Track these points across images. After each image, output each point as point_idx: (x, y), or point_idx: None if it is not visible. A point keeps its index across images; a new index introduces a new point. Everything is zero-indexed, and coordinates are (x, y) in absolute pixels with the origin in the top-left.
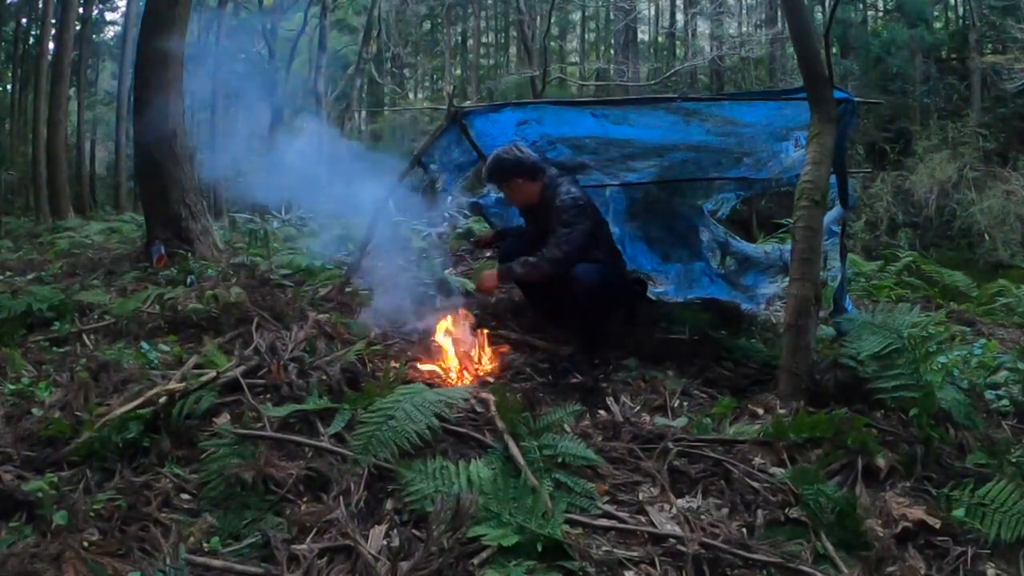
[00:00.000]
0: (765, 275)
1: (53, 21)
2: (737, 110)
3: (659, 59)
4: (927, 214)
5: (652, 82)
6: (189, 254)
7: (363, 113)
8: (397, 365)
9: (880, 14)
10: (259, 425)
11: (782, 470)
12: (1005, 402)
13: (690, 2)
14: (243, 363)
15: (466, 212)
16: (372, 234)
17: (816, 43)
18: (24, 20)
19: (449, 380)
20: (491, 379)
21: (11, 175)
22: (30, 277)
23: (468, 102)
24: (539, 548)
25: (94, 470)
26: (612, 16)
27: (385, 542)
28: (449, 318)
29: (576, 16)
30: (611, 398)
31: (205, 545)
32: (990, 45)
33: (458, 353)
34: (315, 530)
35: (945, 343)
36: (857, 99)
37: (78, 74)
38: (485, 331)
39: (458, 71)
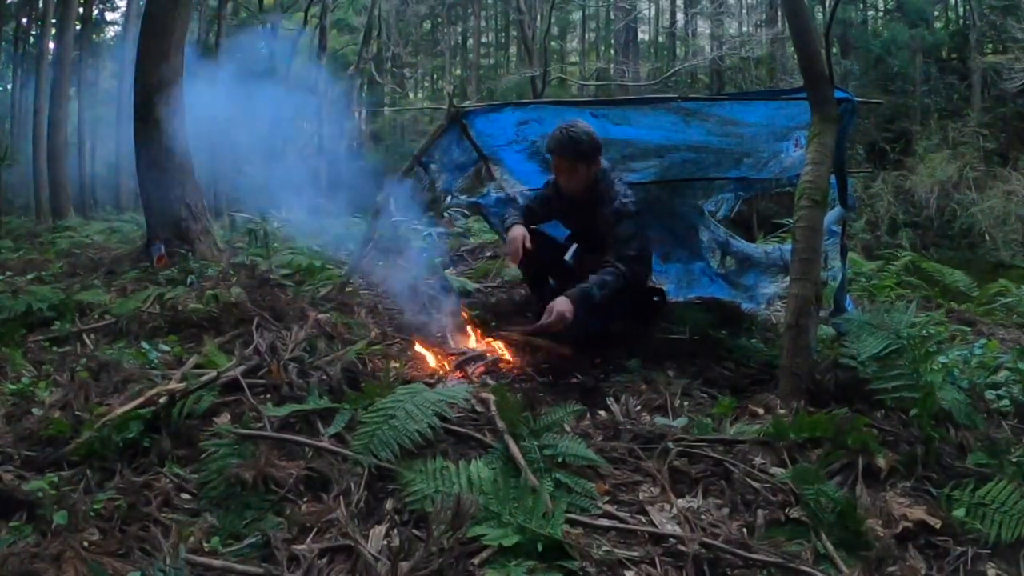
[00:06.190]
0: (765, 275)
1: (53, 21)
2: (737, 110)
3: (659, 59)
4: (927, 214)
5: (652, 82)
6: (189, 254)
7: (363, 113)
8: (397, 365)
9: (880, 14)
10: (259, 425)
11: (782, 470)
12: (1005, 402)
13: (690, 2)
14: (243, 363)
15: (465, 212)
16: (372, 234)
17: (816, 43)
18: (24, 20)
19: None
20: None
21: (11, 174)
22: (30, 277)
23: (468, 102)
24: (539, 548)
25: (94, 470)
26: (612, 16)
27: (385, 542)
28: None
29: (576, 16)
30: (611, 398)
31: (205, 545)
32: (990, 45)
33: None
34: (315, 530)
35: (945, 343)
36: (857, 99)
37: (78, 74)
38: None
39: (458, 71)
